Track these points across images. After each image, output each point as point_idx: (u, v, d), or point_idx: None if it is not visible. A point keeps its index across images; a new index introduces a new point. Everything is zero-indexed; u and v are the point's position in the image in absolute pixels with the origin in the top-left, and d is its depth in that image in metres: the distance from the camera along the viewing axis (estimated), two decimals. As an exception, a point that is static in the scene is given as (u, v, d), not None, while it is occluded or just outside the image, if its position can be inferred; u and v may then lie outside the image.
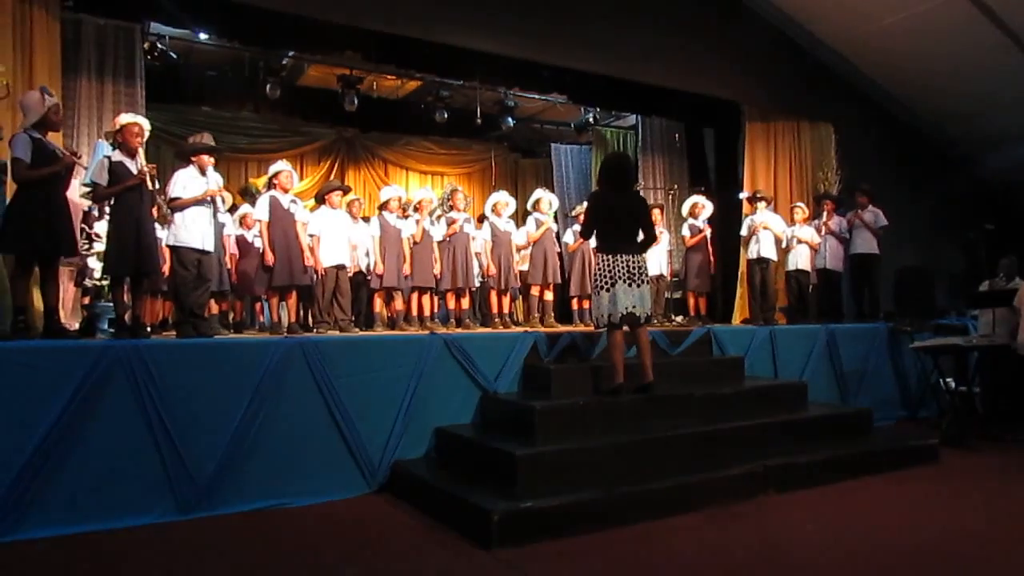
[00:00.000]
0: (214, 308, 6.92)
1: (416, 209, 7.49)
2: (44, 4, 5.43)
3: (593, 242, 7.81)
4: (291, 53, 8.87)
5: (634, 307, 4.93)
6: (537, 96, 10.35)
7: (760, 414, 5.37)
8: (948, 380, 6.66)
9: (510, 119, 10.54)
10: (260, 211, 6.41)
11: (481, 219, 8.39)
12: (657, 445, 4.67)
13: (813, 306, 8.37)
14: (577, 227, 8.21)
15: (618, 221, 5.05)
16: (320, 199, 7.29)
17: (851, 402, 7.08)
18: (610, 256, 4.97)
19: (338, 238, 6.91)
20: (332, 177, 11.04)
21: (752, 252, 8.18)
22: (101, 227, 5.79)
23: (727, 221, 9.12)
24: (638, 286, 4.96)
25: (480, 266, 7.94)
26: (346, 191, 7.46)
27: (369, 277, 7.45)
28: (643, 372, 5.06)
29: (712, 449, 4.81)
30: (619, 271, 4.93)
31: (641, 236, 5.11)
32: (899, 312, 8.31)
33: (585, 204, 5.51)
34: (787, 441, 5.14)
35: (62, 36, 5.68)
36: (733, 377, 6.13)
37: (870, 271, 8.30)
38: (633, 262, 4.97)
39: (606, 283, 4.95)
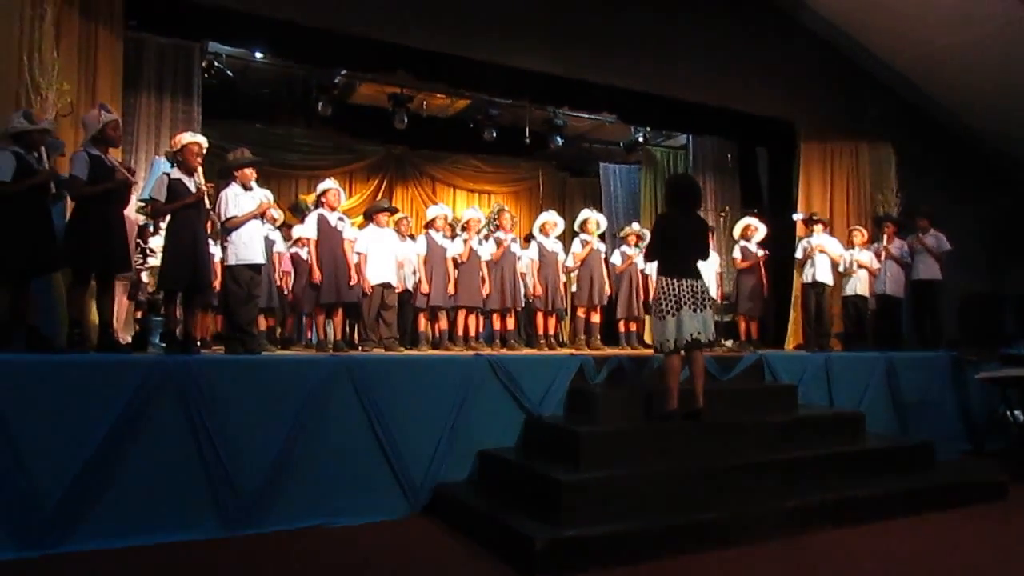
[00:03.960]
0: (262, 324, 6.97)
1: (464, 228, 7.54)
2: (109, 24, 5.60)
3: (641, 262, 8.08)
4: (343, 71, 9.00)
5: (699, 333, 4.91)
6: (586, 115, 10.32)
7: (815, 445, 5.24)
8: (1016, 412, 6.39)
9: (559, 138, 10.52)
10: (308, 229, 6.59)
11: (528, 239, 8.37)
12: (706, 475, 4.57)
13: (871, 333, 8.14)
14: (625, 248, 8.29)
15: (685, 245, 5.05)
16: (368, 217, 7.40)
17: (912, 434, 6.84)
18: (675, 280, 4.95)
19: (385, 256, 6.99)
20: (380, 194, 11.20)
21: (807, 276, 8.02)
22: (156, 242, 5.94)
23: (781, 243, 8.93)
24: (702, 310, 4.95)
25: (526, 286, 7.93)
26: (393, 212, 7.56)
27: (415, 296, 7.49)
28: (694, 398, 4.98)
29: (764, 480, 4.70)
30: (685, 296, 4.92)
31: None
32: (964, 340, 8.04)
33: (652, 227, 5.55)
34: (843, 474, 5.00)
35: (124, 55, 5.83)
36: (786, 405, 5.98)
37: (933, 297, 8.07)
38: (698, 286, 4.99)
39: (671, 308, 4.92)
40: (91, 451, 3.95)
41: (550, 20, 7.28)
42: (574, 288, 8.09)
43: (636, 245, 8.26)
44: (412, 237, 7.84)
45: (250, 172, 5.54)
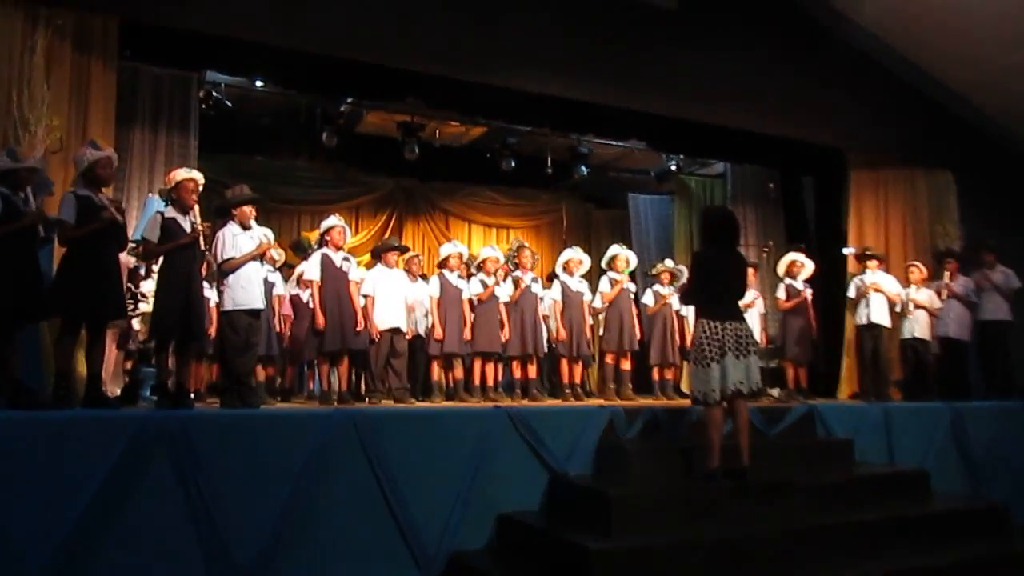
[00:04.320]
0: (261, 374, 7.09)
1: (480, 268, 7.61)
2: (102, 55, 5.77)
3: (675, 303, 8.07)
4: (349, 100, 9.17)
5: (741, 382, 4.88)
6: (613, 142, 10.41)
7: (874, 508, 5.15)
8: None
9: (583, 167, 10.61)
10: (311, 270, 6.64)
11: (550, 278, 8.43)
12: (752, 542, 4.49)
13: (934, 380, 8.06)
14: (658, 287, 8.35)
15: (725, 284, 5.04)
16: (376, 256, 7.50)
17: (984, 494, 6.70)
18: (717, 323, 4.92)
19: (394, 299, 7.08)
20: (389, 231, 11.36)
21: (861, 317, 7.99)
22: (147, 286, 6.07)
23: (830, 281, 8.94)
24: (746, 357, 4.91)
25: (549, 330, 7.96)
26: (403, 251, 7.67)
27: (428, 341, 7.54)
28: (738, 455, 4.94)
29: (817, 548, 4.60)
30: (728, 340, 4.88)
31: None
32: (1038, 387, 7.93)
33: (688, 266, 5.64)
34: (906, 541, 4.89)
35: (118, 87, 5.97)
36: (840, 463, 5.92)
37: (1003, 340, 7.99)
38: (742, 330, 4.96)
39: (714, 354, 4.88)
40: (77, 516, 3.95)
41: (572, 42, 7.42)
42: (602, 332, 8.11)
43: (670, 284, 8.28)
44: (424, 278, 7.95)
45: (249, 210, 5.67)
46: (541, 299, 7.91)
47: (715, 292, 5.02)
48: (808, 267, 8.24)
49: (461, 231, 12.10)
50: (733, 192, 10.95)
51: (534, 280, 7.84)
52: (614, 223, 12.77)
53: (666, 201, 12.07)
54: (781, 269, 8.35)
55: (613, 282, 7.97)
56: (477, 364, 7.51)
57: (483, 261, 7.69)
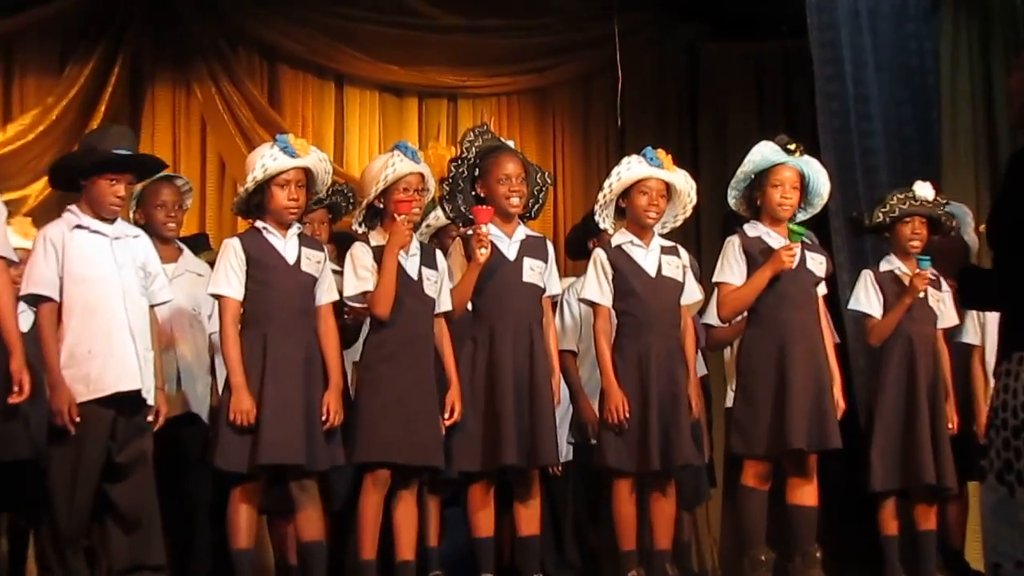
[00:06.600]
0: None
1: (382, 215, 6.48)
2: None
3: (946, 312, 7.48)
4: None
5: None
6: None
7: None
8: None
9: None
10: None
11: (575, 244, 7.74)
12: None
13: None
14: (894, 264, 7.02)
15: None
16: (61, 183, 6.59)
17: None
18: None
19: (117, 310, 6.02)
20: (106, 114, 9.88)
21: None
22: None
23: None
24: None
25: (573, 392, 7.13)
26: (145, 169, 6.55)
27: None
28: None
29: None
30: None
31: None
32: None
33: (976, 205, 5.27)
34: None
35: None
36: None
37: None
38: None
39: None
40: None
41: None
42: (731, 399, 6.83)
43: (923, 256, 6.96)
44: (198, 244, 7.47)
45: None
46: (558, 305, 6.98)
47: None
48: None
49: (319, 108, 10.65)
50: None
51: (533, 247, 6.44)
52: (762, 82, 11.53)
53: (919, 21, 10.64)
54: None
55: (763, 250, 6.28)
56: (369, 501, 6.19)
57: (388, 196, 6.22)
